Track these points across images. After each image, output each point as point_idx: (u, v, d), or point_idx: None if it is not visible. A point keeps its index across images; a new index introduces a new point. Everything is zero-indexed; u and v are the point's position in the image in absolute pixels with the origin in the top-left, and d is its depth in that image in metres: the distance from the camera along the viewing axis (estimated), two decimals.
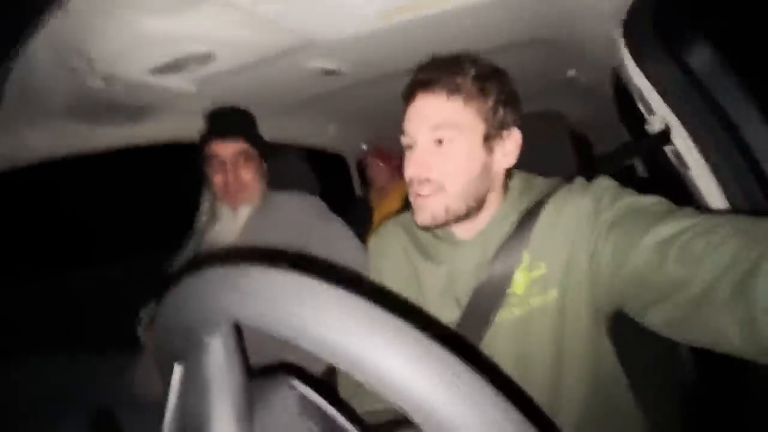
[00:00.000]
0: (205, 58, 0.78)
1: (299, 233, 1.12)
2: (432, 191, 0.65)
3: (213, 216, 1.16)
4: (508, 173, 0.72)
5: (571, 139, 1.04)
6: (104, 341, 1.17)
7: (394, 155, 1.98)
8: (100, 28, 0.65)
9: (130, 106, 1.02)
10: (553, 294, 0.66)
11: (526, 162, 0.95)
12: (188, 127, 1.21)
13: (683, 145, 0.82)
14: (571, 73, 1.34)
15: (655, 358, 0.94)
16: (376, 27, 0.80)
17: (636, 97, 0.89)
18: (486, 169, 0.66)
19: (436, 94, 0.64)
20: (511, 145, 0.68)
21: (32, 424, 0.87)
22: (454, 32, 0.99)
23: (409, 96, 0.67)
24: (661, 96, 0.81)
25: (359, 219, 2.18)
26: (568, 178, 0.72)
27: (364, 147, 2.06)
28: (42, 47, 0.69)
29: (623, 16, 0.77)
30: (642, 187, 0.66)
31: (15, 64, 0.74)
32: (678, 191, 0.91)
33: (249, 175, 1.14)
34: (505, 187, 0.72)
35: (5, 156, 0.94)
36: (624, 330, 0.69)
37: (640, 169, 1.65)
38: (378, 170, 2.09)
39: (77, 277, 1.51)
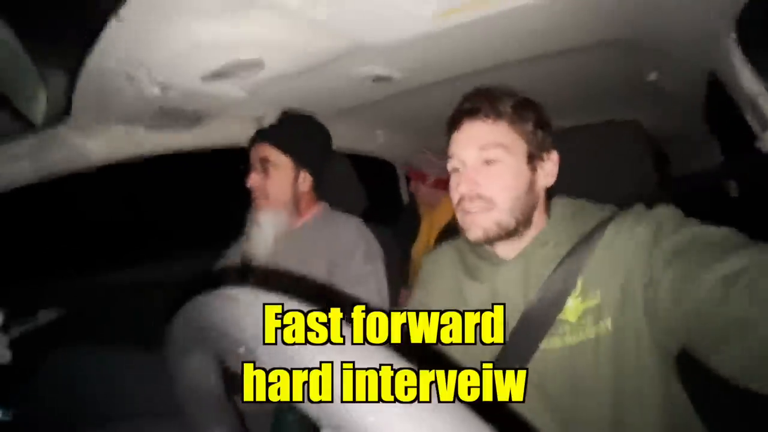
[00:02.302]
0: (254, 65, 0.76)
1: (331, 262, 1.06)
2: (482, 208, 0.68)
3: (250, 221, 1.15)
4: (550, 196, 0.74)
5: (652, 153, 0.91)
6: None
7: (431, 172, 1.91)
8: (153, 37, 0.65)
9: (186, 113, 1.04)
10: (606, 325, 0.63)
11: (598, 177, 0.84)
12: (242, 132, 1.22)
13: None
14: (652, 77, 1.19)
15: (746, 411, 0.79)
16: (430, 29, 0.73)
17: (745, 108, 0.74)
18: (531, 186, 0.70)
19: (481, 119, 0.69)
20: (550, 166, 0.72)
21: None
22: (515, 35, 0.90)
23: (455, 123, 0.72)
24: None
25: (406, 228, 2.13)
26: (625, 204, 0.70)
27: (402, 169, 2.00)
28: (101, 57, 0.71)
29: (733, 10, 0.65)
30: (735, 210, 0.56)
31: (79, 75, 0.78)
32: None
33: (269, 182, 1.09)
34: (547, 209, 0.74)
35: (70, 161, 0.99)
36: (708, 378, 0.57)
37: (733, 188, 1.43)
38: (420, 191, 2.01)
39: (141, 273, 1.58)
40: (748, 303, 0.48)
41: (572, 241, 0.67)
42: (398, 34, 0.74)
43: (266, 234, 1.11)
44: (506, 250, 0.72)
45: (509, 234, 0.69)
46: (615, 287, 0.63)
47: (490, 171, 0.68)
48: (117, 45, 0.68)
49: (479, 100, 0.70)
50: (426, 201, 2.02)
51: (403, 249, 2.08)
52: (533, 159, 0.70)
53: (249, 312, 0.24)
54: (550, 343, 0.66)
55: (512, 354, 0.68)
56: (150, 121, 1.01)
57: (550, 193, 0.75)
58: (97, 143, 1.02)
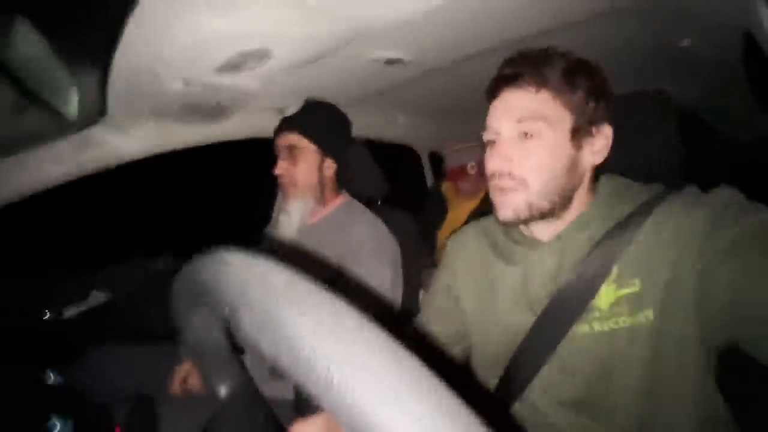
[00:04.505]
0: (262, 55, 0.78)
1: (340, 258, 1.08)
2: (513, 186, 0.63)
3: (278, 210, 1.20)
4: (597, 174, 0.67)
5: (683, 125, 0.85)
6: None
7: (462, 162, 1.82)
8: (168, 31, 0.69)
9: (209, 106, 1.09)
10: (647, 315, 0.59)
11: (626, 153, 0.80)
12: (265, 123, 1.26)
13: None
14: (685, 43, 1.10)
15: None
16: (432, 5, 0.72)
17: None
18: (573, 165, 0.63)
19: (522, 87, 0.62)
20: (600, 143, 0.64)
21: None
22: (532, 5, 0.86)
23: (493, 91, 0.67)
24: None
25: (433, 212, 2.12)
26: (676, 185, 0.63)
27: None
28: (126, 55, 0.76)
29: None
30: None
31: (109, 74, 0.83)
32: None
33: (296, 169, 1.12)
34: (593, 188, 0.68)
35: (107, 158, 1.06)
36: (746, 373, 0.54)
37: None
38: (461, 187, 1.95)
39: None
40: None
41: (613, 224, 0.62)
42: (399, 13, 0.73)
43: (294, 221, 1.15)
44: (543, 231, 0.68)
45: (543, 216, 0.64)
46: (661, 275, 0.58)
47: (526, 146, 0.62)
48: (137, 42, 0.72)
49: (521, 65, 0.63)
50: (469, 195, 1.95)
51: (429, 232, 2.08)
52: (579, 134, 0.62)
53: (235, 273, 0.26)
54: (578, 329, 0.63)
55: (539, 339, 0.65)
56: (177, 115, 1.07)
57: (599, 170, 0.67)
58: (131, 140, 1.09)
